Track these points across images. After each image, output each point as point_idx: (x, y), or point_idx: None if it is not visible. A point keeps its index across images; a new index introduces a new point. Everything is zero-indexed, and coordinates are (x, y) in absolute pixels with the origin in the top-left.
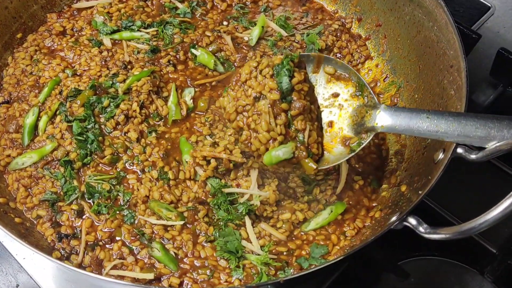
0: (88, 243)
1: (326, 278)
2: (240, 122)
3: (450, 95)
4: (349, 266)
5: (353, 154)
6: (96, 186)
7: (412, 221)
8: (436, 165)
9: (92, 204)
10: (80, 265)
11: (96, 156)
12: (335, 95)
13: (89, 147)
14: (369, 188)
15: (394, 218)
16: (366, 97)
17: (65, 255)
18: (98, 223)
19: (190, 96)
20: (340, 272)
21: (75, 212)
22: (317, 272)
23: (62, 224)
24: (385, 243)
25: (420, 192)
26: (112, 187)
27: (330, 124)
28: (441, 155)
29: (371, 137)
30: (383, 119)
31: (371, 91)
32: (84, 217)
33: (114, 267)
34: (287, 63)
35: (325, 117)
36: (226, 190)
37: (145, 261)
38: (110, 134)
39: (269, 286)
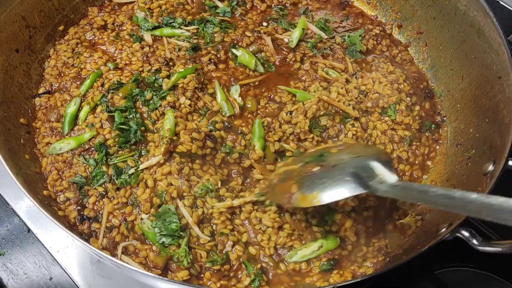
0: (107, 225)
1: (361, 284)
2: None
3: (497, 108)
4: (385, 273)
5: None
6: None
7: (465, 232)
8: (486, 177)
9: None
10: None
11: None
12: None
13: (133, 136)
14: None
15: (444, 229)
16: None
17: (85, 238)
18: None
19: (238, 93)
20: (376, 279)
21: (100, 194)
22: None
23: (87, 206)
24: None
25: None
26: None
27: None
28: (491, 167)
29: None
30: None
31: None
32: (105, 198)
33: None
34: None
35: None
36: None
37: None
38: (155, 123)
39: None
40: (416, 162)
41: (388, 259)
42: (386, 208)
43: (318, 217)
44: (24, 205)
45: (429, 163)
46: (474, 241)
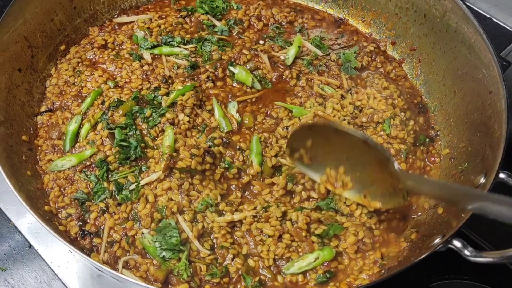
0: (108, 240)
1: None
2: None
3: (489, 122)
4: (382, 286)
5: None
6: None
7: (457, 243)
8: (478, 189)
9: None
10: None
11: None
12: None
13: (133, 153)
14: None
15: (437, 240)
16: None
17: (86, 252)
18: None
19: (235, 109)
20: None
21: (101, 209)
22: None
23: (89, 222)
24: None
25: (463, 215)
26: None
27: None
28: (482, 180)
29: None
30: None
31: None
32: (106, 214)
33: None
34: None
35: None
36: None
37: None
38: (155, 140)
39: None
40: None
41: (383, 271)
42: (398, 219)
43: (322, 228)
44: (26, 221)
45: (425, 177)
46: (466, 252)
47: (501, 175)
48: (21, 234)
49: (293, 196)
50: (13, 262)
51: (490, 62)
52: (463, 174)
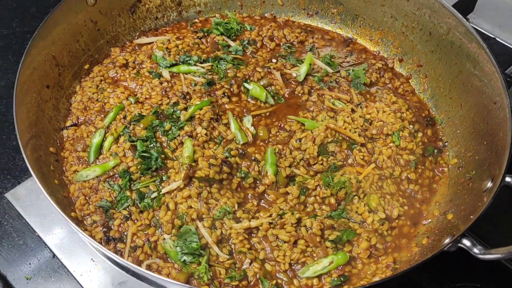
0: (131, 245)
1: None
2: None
3: (494, 130)
4: None
5: None
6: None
7: (467, 242)
8: (485, 193)
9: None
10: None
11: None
12: None
13: (154, 163)
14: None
15: (447, 240)
16: None
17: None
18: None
19: (250, 123)
20: None
21: (124, 216)
22: None
23: (113, 228)
24: (426, 271)
25: (472, 216)
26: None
27: None
28: (489, 184)
29: None
30: None
31: None
32: (129, 221)
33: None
34: None
35: None
36: None
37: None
38: (174, 152)
39: None
40: (424, 184)
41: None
42: (409, 226)
43: (335, 234)
44: (50, 232)
45: (435, 185)
46: (475, 250)
47: (507, 179)
48: (46, 244)
49: (307, 205)
50: (37, 271)
51: (494, 74)
52: (471, 181)
